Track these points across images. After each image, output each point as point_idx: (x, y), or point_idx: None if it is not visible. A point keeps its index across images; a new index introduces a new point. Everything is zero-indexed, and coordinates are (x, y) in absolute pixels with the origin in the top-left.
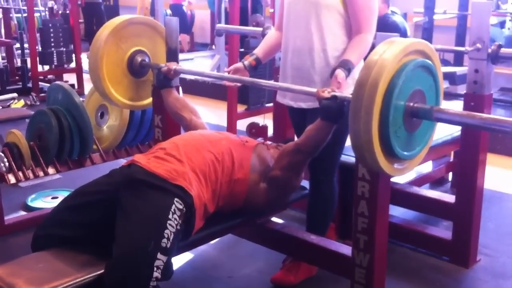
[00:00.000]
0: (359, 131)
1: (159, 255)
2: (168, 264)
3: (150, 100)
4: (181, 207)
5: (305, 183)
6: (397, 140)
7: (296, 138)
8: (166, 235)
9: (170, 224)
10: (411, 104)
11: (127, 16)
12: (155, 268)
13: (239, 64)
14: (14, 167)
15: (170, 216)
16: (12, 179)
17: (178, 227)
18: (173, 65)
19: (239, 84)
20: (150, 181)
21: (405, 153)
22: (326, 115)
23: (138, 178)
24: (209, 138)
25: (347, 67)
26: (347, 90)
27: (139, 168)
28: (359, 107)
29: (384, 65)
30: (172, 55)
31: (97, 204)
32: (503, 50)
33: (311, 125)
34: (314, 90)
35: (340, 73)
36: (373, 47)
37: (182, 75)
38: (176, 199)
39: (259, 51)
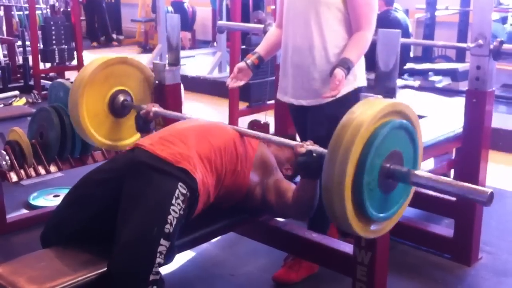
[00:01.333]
0: (332, 183)
1: (162, 241)
2: (171, 249)
3: (129, 141)
4: (184, 191)
5: None
6: (371, 199)
7: (298, 136)
8: (169, 221)
9: (173, 210)
10: (388, 164)
11: (117, 56)
12: (158, 254)
13: (242, 64)
14: (16, 165)
15: (173, 202)
16: (14, 177)
17: (181, 212)
18: (152, 107)
19: (241, 83)
20: (154, 165)
21: (380, 214)
22: (304, 172)
23: (142, 161)
24: (216, 126)
25: (346, 65)
26: (347, 86)
27: (143, 151)
28: (335, 158)
29: (361, 124)
30: (173, 53)
31: (103, 194)
32: (505, 46)
33: (295, 189)
34: (292, 143)
35: (339, 72)
36: (373, 44)
37: (183, 73)
38: (180, 183)
39: (261, 49)
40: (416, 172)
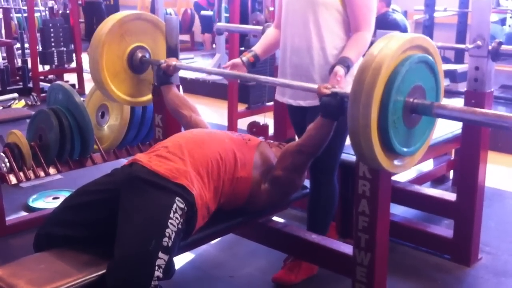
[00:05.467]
0: (358, 126)
1: (160, 254)
2: (170, 263)
3: (148, 97)
4: (182, 206)
5: (306, 182)
6: (396, 136)
7: (296, 137)
8: (167, 234)
9: (171, 223)
10: (411, 99)
11: (132, 11)
12: (156, 267)
13: (237, 60)
14: (15, 167)
15: (171, 215)
16: (13, 179)
17: (180, 226)
18: (172, 61)
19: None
20: (152, 180)
21: (404, 149)
22: (326, 112)
23: (139, 176)
24: (211, 136)
25: (346, 64)
26: (346, 87)
27: (141, 167)
28: (358, 102)
29: (384, 59)
30: (172, 54)
31: (99, 203)
32: (503, 47)
33: (311, 124)
34: (315, 86)
35: (339, 69)
36: (372, 45)
37: (182, 75)
38: (177, 198)
39: (257, 48)
40: (439, 103)
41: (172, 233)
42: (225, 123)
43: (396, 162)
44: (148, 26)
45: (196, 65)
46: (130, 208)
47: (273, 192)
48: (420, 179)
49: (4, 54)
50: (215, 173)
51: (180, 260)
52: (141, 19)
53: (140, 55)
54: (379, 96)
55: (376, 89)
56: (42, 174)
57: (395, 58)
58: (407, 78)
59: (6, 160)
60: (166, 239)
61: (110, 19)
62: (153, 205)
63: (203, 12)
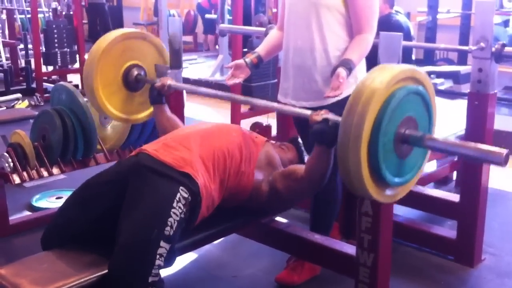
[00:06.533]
0: (347, 154)
1: (162, 243)
2: (171, 252)
3: (144, 114)
4: (186, 195)
5: None
6: (387, 166)
7: (299, 138)
8: (169, 223)
9: (174, 213)
10: (402, 130)
11: (139, 31)
12: (157, 256)
13: (240, 61)
14: (19, 167)
15: (174, 205)
16: (16, 179)
17: (182, 215)
18: (167, 81)
19: (238, 80)
20: (157, 169)
21: (396, 179)
22: (319, 140)
23: (145, 165)
24: (219, 129)
25: (348, 66)
26: (348, 89)
27: (147, 156)
28: (349, 130)
29: (376, 89)
30: (175, 56)
31: (106, 195)
32: (507, 49)
33: (310, 156)
34: (308, 112)
35: (341, 71)
36: (375, 46)
37: (185, 75)
38: (181, 187)
39: (261, 49)
40: (431, 136)
41: (174, 222)
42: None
43: (387, 192)
44: (149, 47)
45: (199, 66)
46: (134, 196)
47: (272, 199)
48: (424, 180)
49: (8, 55)
50: (221, 166)
51: (183, 260)
52: (145, 40)
53: (136, 72)
54: (370, 126)
55: (367, 120)
56: (45, 174)
57: (388, 88)
58: (400, 109)
59: (10, 160)
60: (168, 228)
61: (115, 32)
62: (157, 194)
63: (207, 16)
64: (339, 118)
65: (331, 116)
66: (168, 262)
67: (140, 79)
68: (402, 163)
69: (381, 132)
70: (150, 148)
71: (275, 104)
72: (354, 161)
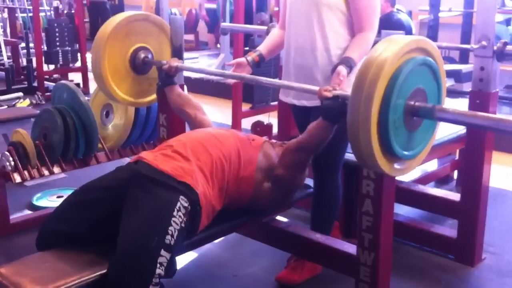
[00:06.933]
0: (357, 129)
1: (162, 252)
2: (172, 262)
3: (152, 97)
4: (186, 204)
5: (310, 182)
6: (397, 139)
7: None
8: (170, 232)
9: (174, 221)
10: (412, 102)
11: (140, 12)
12: (158, 265)
13: (242, 59)
14: (20, 166)
15: (174, 213)
16: (17, 178)
17: (183, 224)
18: (174, 62)
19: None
20: (156, 178)
21: (405, 152)
22: (327, 115)
23: (144, 174)
24: (216, 136)
25: (349, 64)
26: (348, 88)
27: (146, 165)
28: (358, 106)
29: (384, 62)
30: (176, 54)
31: (103, 200)
32: (508, 47)
33: (312, 123)
34: (316, 88)
35: (342, 69)
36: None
37: (187, 74)
38: (181, 196)
39: (262, 47)
40: (441, 106)
41: (174, 231)
42: (229, 122)
43: (396, 166)
44: (154, 28)
45: (200, 65)
46: (134, 204)
47: (275, 190)
48: (424, 179)
49: (9, 54)
50: (220, 173)
51: (184, 259)
52: (148, 21)
53: (143, 55)
54: (379, 99)
55: (376, 92)
56: (46, 173)
57: (396, 60)
58: (408, 81)
59: (11, 158)
60: (168, 237)
61: (118, 16)
62: (157, 203)
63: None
64: (348, 94)
65: (341, 92)
66: (169, 271)
67: (147, 61)
68: (412, 136)
69: (391, 107)
70: (149, 156)
71: (281, 82)
72: (364, 138)
